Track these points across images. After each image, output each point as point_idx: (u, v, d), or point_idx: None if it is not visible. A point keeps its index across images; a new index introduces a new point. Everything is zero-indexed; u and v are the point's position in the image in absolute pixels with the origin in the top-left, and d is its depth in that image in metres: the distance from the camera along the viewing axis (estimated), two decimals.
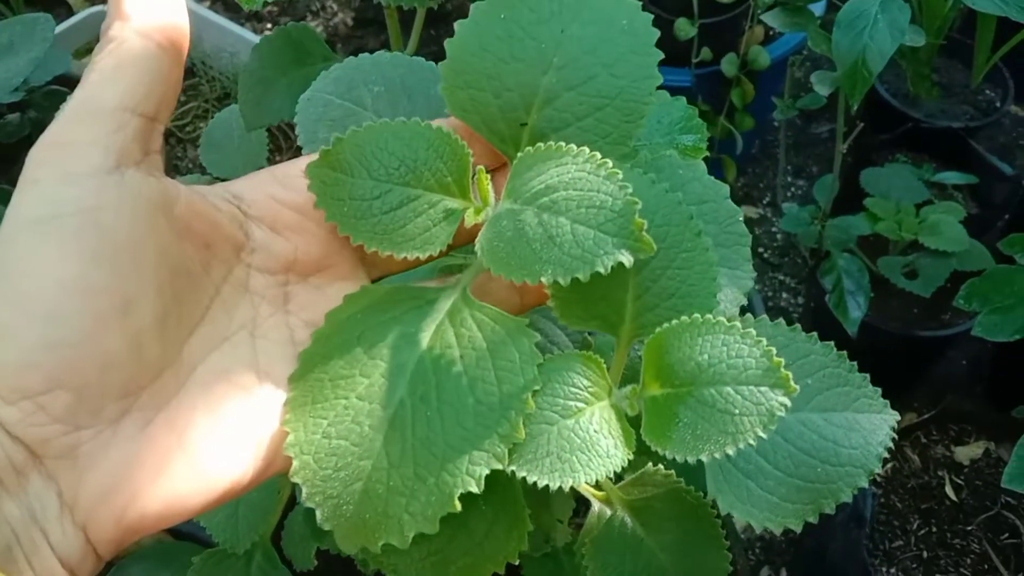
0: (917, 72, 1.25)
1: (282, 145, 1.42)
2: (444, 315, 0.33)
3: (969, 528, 0.91)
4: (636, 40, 0.33)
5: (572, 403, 0.32)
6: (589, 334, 0.45)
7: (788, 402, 0.29)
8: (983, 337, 0.88)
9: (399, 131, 0.34)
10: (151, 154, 0.32)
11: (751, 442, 0.29)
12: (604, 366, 0.33)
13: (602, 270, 0.29)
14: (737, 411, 0.30)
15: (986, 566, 0.89)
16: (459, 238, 0.35)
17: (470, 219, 0.33)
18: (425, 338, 0.32)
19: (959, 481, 0.95)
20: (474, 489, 0.30)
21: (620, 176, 0.30)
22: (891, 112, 1.27)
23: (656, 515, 0.40)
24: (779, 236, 1.42)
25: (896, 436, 0.38)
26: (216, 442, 0.31)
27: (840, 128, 1.00)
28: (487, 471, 0.30)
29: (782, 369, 0.29)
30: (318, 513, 0.31)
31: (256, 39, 1.38)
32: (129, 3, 0.32)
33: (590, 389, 0.33)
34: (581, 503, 0.61)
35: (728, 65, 1.17)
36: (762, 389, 0.30)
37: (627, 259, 0.29)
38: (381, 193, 0.33)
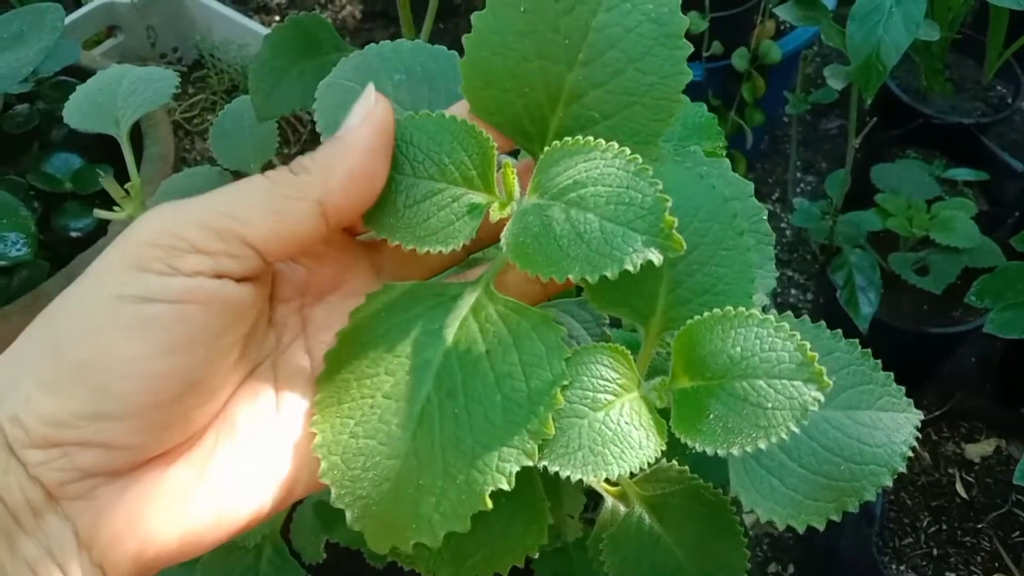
0: (930, 67, 1.24)
1: (290, 137, 1.42)
2: (468, 310, 0.32)
3: (980, 526, 0.91)
4: (663, 29, 0.32)
5: (602, 395, 0.32)
6: (610, 327, 0.45)
7: (822, 397, 0.29)
8: (994, 334, 0.88)
9: (423, 124, 0.33)
10: (251, 282, 0.31)
11: (783, 436, 0.29)
12: (631, 358, 0.33)
13: (631, 268, 0.29)
14: (770, 405, 0.29)
15: (996, 564, 0.88)
16: (482, 233, 0.34)
17: (495, 214, 0.33)
18: (450, 334, 0.32)
19: (969, 479, 0.94)
20: (504, 487, 0.29)
21: (650, 172, 0.29)
22: (902, 108, 1.27)
23: (674, 511, 0.40)
24: (788, 232, 1.41)
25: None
26: (236, 477, 0.31)
27: (852, 123, 0.99)
28: (517, 468, 0.30)
29: (816, 364, 0.29)
30: (348, 514, 0.31)
31: (265, 31, 1.38)
32: (338, 175, 0.31)
33: (619, 381, 0.32)
34: (591, 498, 0.61)
35: (739, 59, 1.16)
36: (795, 383, 0.29)
37: (656, 258, 0.28)
38: (405, 187, 0.33)
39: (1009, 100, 1.30)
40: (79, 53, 1.04)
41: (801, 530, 0.36)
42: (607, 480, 0.45)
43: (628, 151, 0.30)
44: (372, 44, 0.43)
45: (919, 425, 0.37)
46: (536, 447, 0.30)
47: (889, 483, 0.36)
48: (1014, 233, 0.96)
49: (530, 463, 0.30)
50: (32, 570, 0.28)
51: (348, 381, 0.32)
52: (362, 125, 0.31)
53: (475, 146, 0.33)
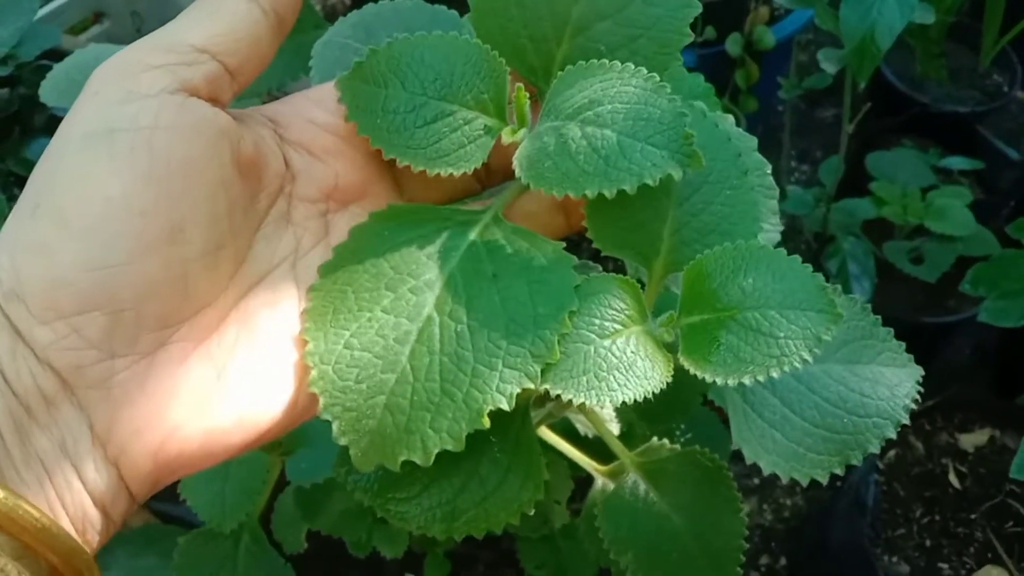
0: (926, 51, 1.23)
1: None
2: (476, 234, 0.32)
3: (973, 516, 0.90)
4: None
5: (609, 324, 0.31)
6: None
7: (834, 327, 0.29)
8: (989, 323, 0.87)
9: (436, 44, 0.33)
10: (218, 103, 0.31)
11: (796, 365, 0.29)
12: (640, 292, 0.32)
13: (650, 182, 0.28)
14: (782, 334, 0.29)
15: (989, 555, 0.87)
16: (496, 163, 0.33)
17: (507, 136, 0.32)
18: (456, 256, 0.31)
19: (963, 469, 0.93)
20: (504, 406, 0.29)
21: (668, 89, 0.29)
22: (898, 96, 1.25)
23: (669, 477, 0.40)
24: (782, 221, 1.40)
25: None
26: (256, 378, 0.30)
27: (847, 109, 0.98)
28: (518, 389, 0.29)
29: (829, 295, 0.29)
30: (335, 426, 0.30)
31: None
32: None
33: (627, 312, 0.31)
34: (579, 487, 0.60)
35: (732, 45, 1.15)
36: (808, 314, 0.29)
37: (676, 172, 0.28)
38: (415, 107, 0.32)
39: (1005, 88, 1.28)
40: (60, 37, 1.03)
41: (804, 482, 0.35)
42: (599, 459, 0.44)
43: (644, 70, 0.30)
44: (371, 3, 0.42)
45: (920, 380, 0.36)
46: (539, 370, 0.29)
47: (893, 435, 0.36)
48: (1010, 222, 0.95)
49: (531, 385, 0.29)
50: (43, 465, 0.27)
51: (345, 292, 0.31)
52: None
53: (488, 70, 0.33)
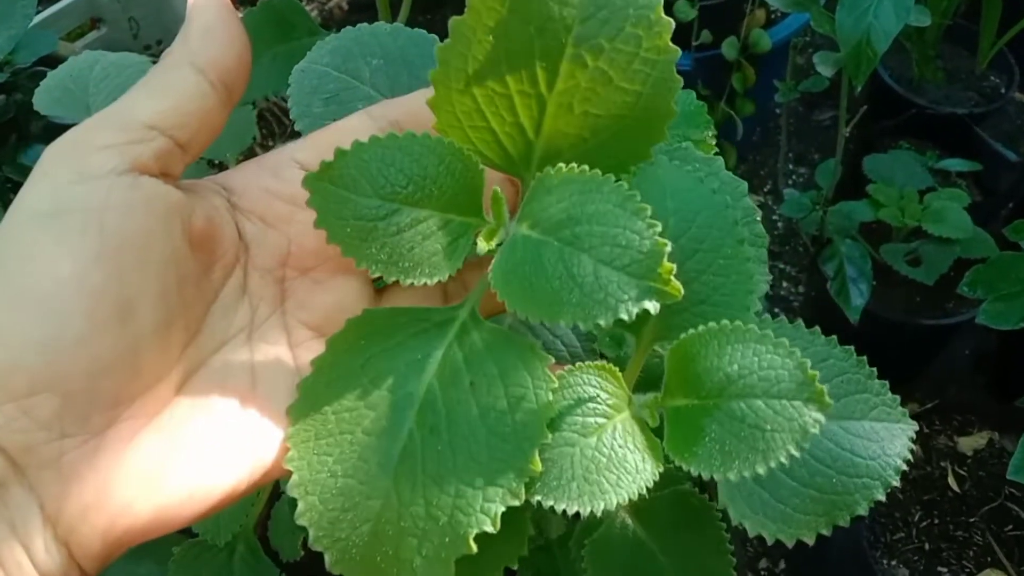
0: (922, 54, 1.23)
1: (275, 131, 1.40)
2: (452, 338, 0.31)
3: (972, 520, 0.90)
4: (651, 31, 0.29)
5: (591, 419, 0.30)
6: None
7: (822, 418, 0.27)
8: (987, 325, 0.87)
9: (407, 145, 0.31)
10: (169, 177, 0.31)
11: (783, 460, 0.27)
12: (620, 376, 0.31)
13: (626, 317, 0.27)
14: (768, 427, 0.27)
15: (989, 558, 0.87)
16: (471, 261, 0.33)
17: (483, 244, 0.31)
18: (433, 365, 0.30)
19: (962, 472, 0.93)
20: (489, 529, 0.28)
21: (648, 212, 0.28)
22: (895, 98, 1.25)
23: (659, 518, 0.39)
24: (780, 224, 1.40)
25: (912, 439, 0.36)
26: (208, 451, 0.30)
27: (843, 112, 0.98)
28: (503, 508, 0.28)
29: (816, 383, 0.27)
30: (327, 557, 0.29)
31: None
32: (196, 34, 0.31)
33: (608, 402, 0.30)
34: None
35: (729, 48, 1.15)
36: (795, 404, 0.28)
37: (653, 307, 0.27)
38: (387, 213, 0.31)
39: (1002, 90, 1.28)
40: (56, 43, 1.02)
41: (790, 545, 0.34)
42: None
43: (625, 185, 0.28)
44: (349, 27, 0.41)
45: (914, 437, 0.35)
46: (522, 485, 0.29)
47: (882, 497, 0.34)
48: (1008, 224, 0.95)
49: (516, 502, 0.28)
50: None
51: (326, 415, 0.30)
52: None
53: (462, 170, 0.31)
